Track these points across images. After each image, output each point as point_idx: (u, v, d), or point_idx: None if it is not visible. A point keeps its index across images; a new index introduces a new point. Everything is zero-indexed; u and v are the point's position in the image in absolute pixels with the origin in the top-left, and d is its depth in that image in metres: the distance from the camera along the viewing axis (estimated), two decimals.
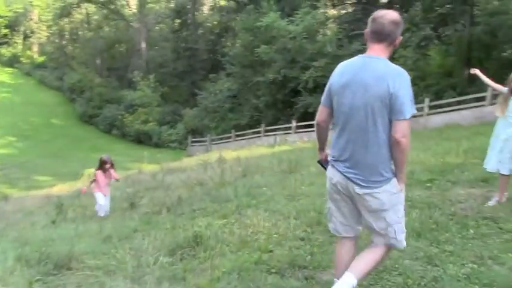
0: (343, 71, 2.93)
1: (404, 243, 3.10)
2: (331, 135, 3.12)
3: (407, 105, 2.74)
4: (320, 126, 3.12)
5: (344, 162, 2.93)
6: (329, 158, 3.11)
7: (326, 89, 3.04)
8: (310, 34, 27.39)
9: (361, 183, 2.87)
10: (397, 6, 29.95)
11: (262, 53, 27.79)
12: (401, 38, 2.90)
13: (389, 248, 3.10)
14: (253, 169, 11.32)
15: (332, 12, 35.28)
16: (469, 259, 3.95)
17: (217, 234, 5.18)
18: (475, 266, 3.81)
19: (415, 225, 4.79)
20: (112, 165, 9.13)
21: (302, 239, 4.86)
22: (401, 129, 2.74)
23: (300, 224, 5.32)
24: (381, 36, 2.84)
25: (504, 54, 20.20)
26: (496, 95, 18.26)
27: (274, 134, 25.57)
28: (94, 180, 9.19)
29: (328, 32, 29.74)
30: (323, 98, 3.06)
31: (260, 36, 28.98)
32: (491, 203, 5.51)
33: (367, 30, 2.91)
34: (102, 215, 8.85)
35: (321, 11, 30.57)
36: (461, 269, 3.76)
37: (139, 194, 10.60)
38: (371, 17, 2.90)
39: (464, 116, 18.77)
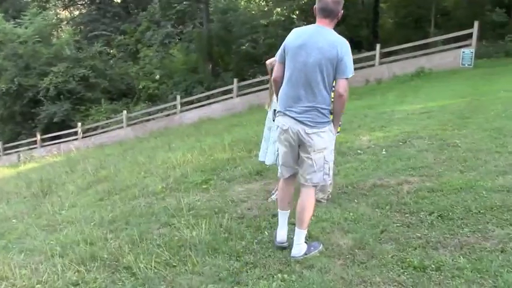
0: (298, 35, 3.51)
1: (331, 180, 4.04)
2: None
3: (349, 68, 3.39)
4: (277, 81, 3.67)
5: (296, 108, 3.47)
6: (278, 109, 3.58)
7: (281, 49, 3.58)
8: (43, 37, 25.06)
9: (310, 124, 3.44)
10: (132, 5, 29.62)
11: None
12: (342, 11, 3.49)
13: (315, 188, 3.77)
14: None
15: (66, 13, 33.17)
16: (276, 268, 3.53)
17: None
18: (285, 275, 3.38)
19: (208, 238, 4.22)
20: None
21: (76, 284, 3.82)
22: (343, 86, 3.38)
23: (69, 264, 4.23)
24: (326, 12, 3.45)
25: (243, 47, 21.49)
26: (240, 87, 19.37)
27: (17, 151, 22.87)
28: None
29: (64, 35, 27.69)
30: (278, 56, 3.63)
31: None
32: (273, 196, 5.29)
33: (315, 7, 3.49)
34: None
35: (52, 12, 28.35)
36: (273, 283, 3.30)
37: None
38: None
39: (215, 109, 19.49)
